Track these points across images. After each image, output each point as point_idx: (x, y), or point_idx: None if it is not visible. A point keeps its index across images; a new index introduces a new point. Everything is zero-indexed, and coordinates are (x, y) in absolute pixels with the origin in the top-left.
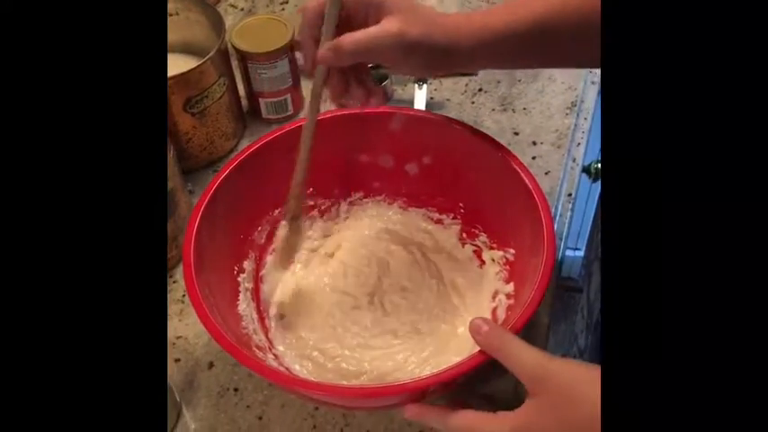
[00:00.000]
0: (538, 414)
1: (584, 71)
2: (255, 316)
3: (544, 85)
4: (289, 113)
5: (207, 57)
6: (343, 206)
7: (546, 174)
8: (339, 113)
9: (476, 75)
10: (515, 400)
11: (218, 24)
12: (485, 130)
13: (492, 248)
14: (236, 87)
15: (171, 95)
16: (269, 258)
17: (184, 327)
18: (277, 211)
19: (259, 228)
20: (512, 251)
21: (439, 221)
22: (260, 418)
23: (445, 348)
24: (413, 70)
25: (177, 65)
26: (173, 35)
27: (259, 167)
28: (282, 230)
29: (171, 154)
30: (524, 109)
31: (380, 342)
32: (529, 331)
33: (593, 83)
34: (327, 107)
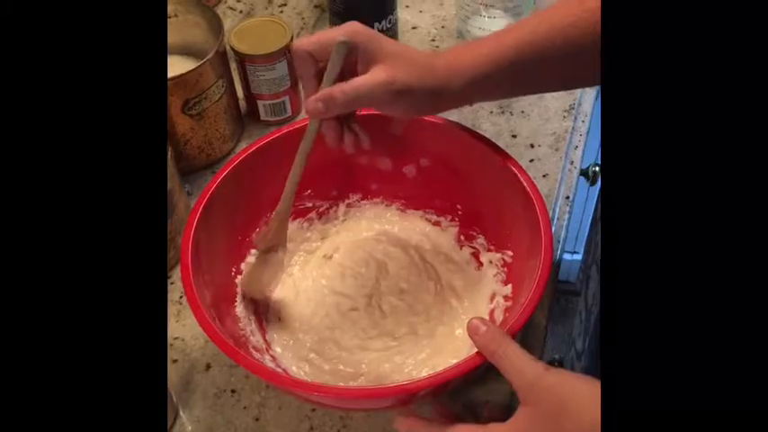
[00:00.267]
0: (530, 426)
1: None
2: (253, 317)
3: None
4: (287, 115)
5: (205, 59)
6: (341, 208)
7: (544, 176)
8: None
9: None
10: (512, 405)
11: (216, 26)
12: (483, 133)
13: (490, 250)
14: (234, 89)
15: (169, 97)
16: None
17: (182, 328)
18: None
19: (257, 229)
20: (509, 253)
21: (437, 224)
22: (257, 420)
23: (443, 350)
24: (404, 112)
25: (176, 67)
26: (172, 37)
27: (257, 169)
28: (251, 259)
29: (169, 155)
30: (522, 112)
31: (378, 344)
32: (526, 334)
33: None
34: None
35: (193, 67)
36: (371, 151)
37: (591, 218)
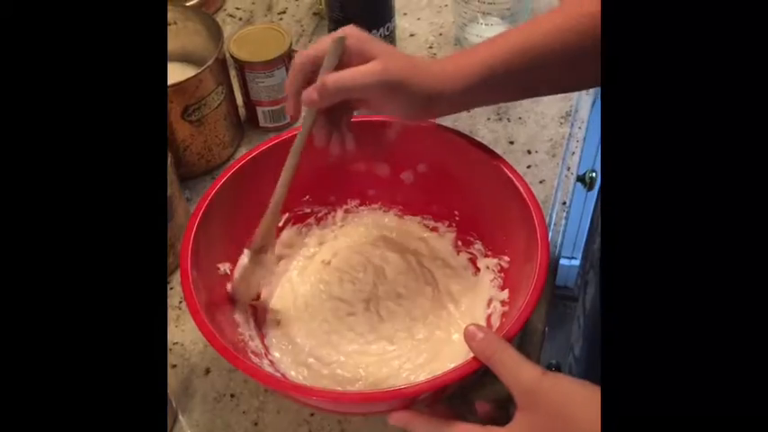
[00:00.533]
0: (528, 431)
1: None
2: (252, 322)
3: None
4: (286, 122)
5: (205, 65)
6: (339, 213)
7: (540, 182)
8: None
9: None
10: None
11: (216, 33)
12: (480, 140)
13: (487, 256)
14: (233, 96)
15: (169, 104)
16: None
17: (181, 333)
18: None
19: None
20: (506, 258)
21: (434, 229)
22: (256, 424)
23: (440, 355)
24: (398, 112)
25: (176, 73)
26: (171, 44)
27: (256, 175)
28: (244, 259)
29: (169, 161)
30: (519, 118)
31: (376, 348)
32: (524, 339)
33: (587, 93)
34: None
35: (193, 74)
36: (369, 157)
37: (588, 224)
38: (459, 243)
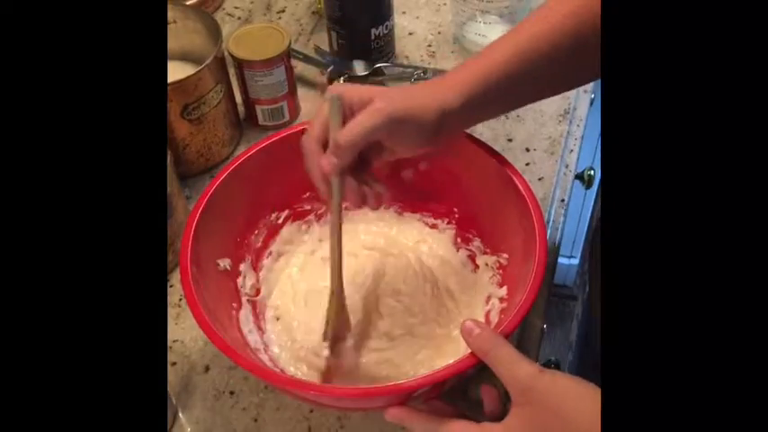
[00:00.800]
0: (523, 427)
1: None
2: (252, 318)
3: None
4: (285, 120)
5: (204, 64)
6: None
7: (539, 180)
8: None
9: None
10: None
11: (215, 32)
12: (479, 137)
13: (486, 253)
14: (232, 94)
15: (168, 102)
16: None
17: (181, 330)
18: (274, 215)
19: (256, 231)
20: (505, 256)
21: (434, 227)
22: (255, 421)
23: (439, 351)
24: (408, 143)
25: (175, 72)
26: (170, 43)
27: (255, 172)
28: (325, 352)
29: (168, 160)
30: (518, 116)
31: (375, 345)
32: (522, 336)
33: (585, 91)
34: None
35: (192, 72)
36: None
37: (588, 222)
38: (459, 240)
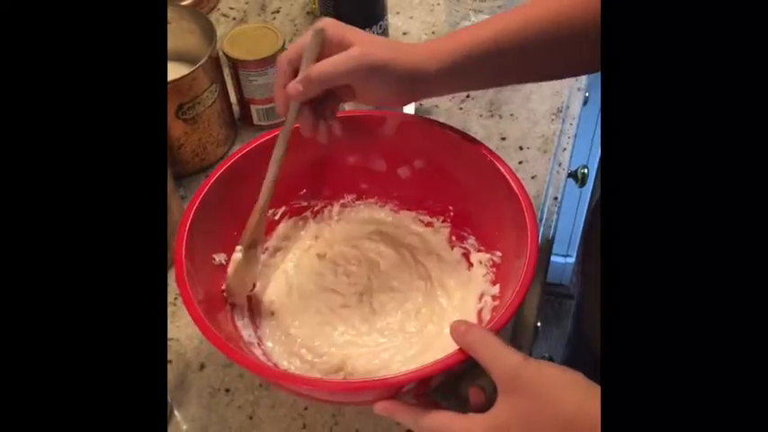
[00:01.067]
0: (510, 415)
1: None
2: (246, 312)
3: (530, 92)
4: (280, 120)
5: (198, 64)
6: (336, 208)
7: (532, 178)
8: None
9: None
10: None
11: (209, 32)
12: (473, 135)
13: (480, 251)
14: (227, 94)
15: None
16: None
17: (176, 329)
18: (270, 211)
19: None
20: (498, 254)
21: (429, 224)
22: (250, 418)
23: (431, 348)
24: (378, 95)
25: (170, 72)
26: None
27: (249, 171)
28: (237, 255)
29: None
30: (511, 115)
31: (368, 340)
32: (516, 334)
33: (578, 89)
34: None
35: (187, 72)
36: (366, 152)
37: (583, 221)
38: (454, 238)
